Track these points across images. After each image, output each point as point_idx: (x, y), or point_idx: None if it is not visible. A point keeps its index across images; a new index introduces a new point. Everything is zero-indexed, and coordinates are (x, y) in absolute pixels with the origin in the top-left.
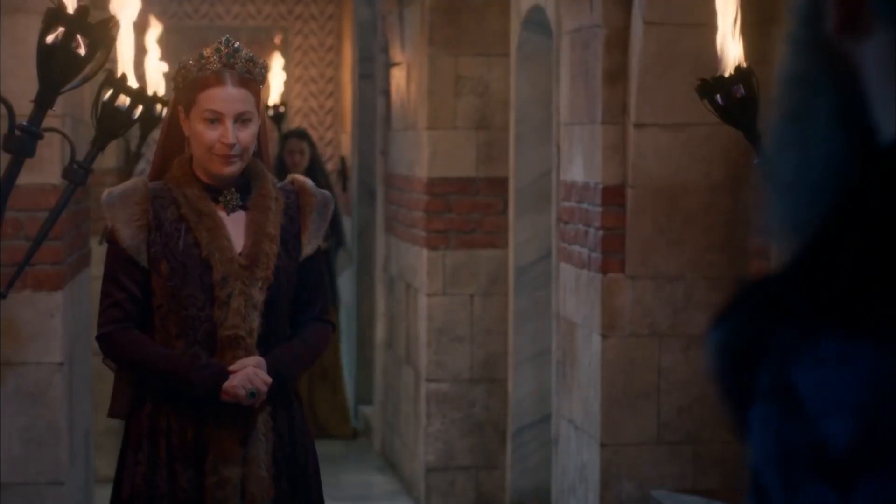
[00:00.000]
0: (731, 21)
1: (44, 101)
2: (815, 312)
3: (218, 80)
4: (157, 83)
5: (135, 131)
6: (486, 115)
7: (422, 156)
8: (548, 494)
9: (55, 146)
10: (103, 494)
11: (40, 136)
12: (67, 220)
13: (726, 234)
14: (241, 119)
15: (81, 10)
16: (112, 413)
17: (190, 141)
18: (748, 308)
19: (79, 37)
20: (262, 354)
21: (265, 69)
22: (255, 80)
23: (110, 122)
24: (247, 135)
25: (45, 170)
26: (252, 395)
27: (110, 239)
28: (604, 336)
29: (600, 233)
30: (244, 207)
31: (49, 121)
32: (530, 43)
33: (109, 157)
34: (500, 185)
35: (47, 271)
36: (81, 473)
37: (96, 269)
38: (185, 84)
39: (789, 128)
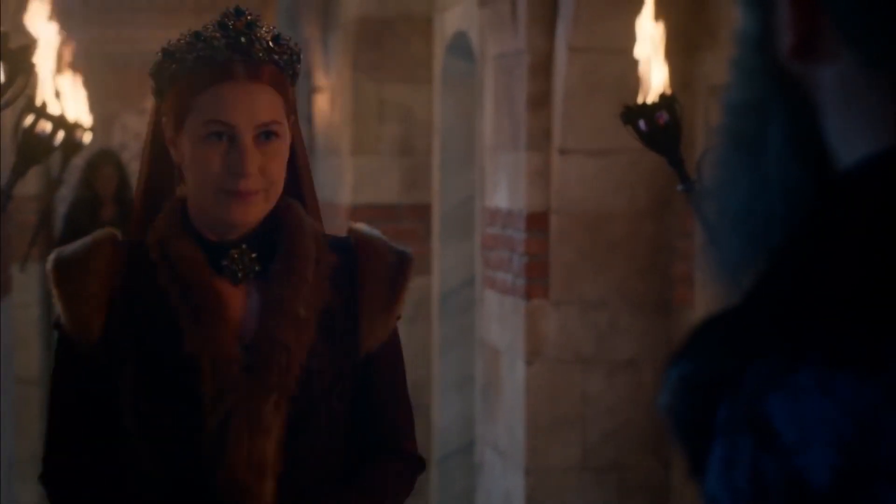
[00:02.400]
0: (655, 47)
1: None
2: (790, 342)
3: (226, 73)
4: (77, 109)
5: (56, 157)
6: (410, 141)
7: (345, 182)
8: None
9: None
10: None
11: None
12: None
13: (650, 261)
14: (266, 133)
15: (1, 37)
16: None
17: (181, 171)
18: (713, 340)
19: None
20: None
21: (298, 56)
22: (283, 72)
23: (31, 149)
24: (276, 160)
25: None
26: None
27: (57, 322)
28: (528, 362)
29: (524, 259)
30: (263, 275)
31: None
32: (454, 69)
33: (30, 184)
34: (423, 211)
35: None
36: (3, 503)
37: (17, 295)
38: (173, 82)
39: (737, 157)
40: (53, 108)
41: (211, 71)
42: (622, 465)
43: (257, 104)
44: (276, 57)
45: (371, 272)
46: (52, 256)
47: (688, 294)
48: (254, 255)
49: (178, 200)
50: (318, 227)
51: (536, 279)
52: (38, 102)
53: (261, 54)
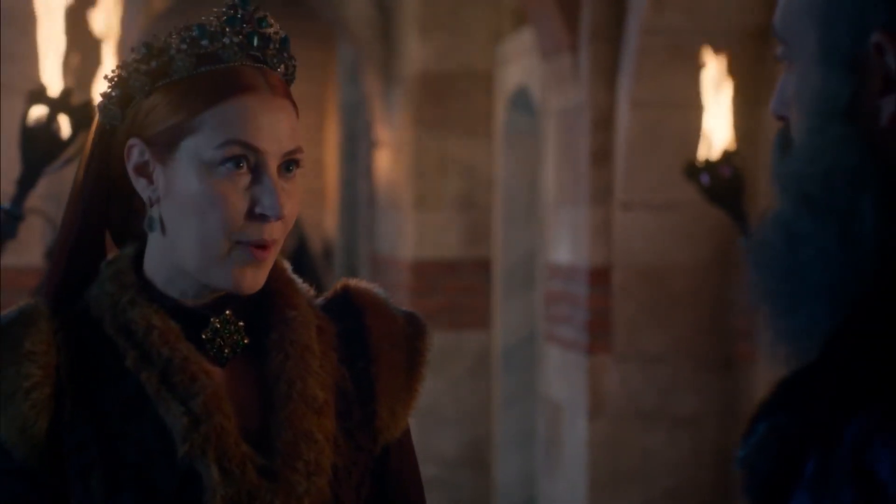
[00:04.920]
0: (720, 102)
1: (26, 183)
2: (891, 397)
3: (246, 83)
4: None
5: None
6: (472, 196)
7: (407, 237)
8: None
9: (37, 227)
10: None
11: (23, 218)
12: None
13: (713, 315)
14: (287, 164)
15: (65, 92)
16: None
17: (162, 217)
18: (806, 394)
19: (61, 118)
20: None
21: (296, 62)
22: (290, 84)
23: None
24: (295, 201)
25: (27, 251)
26: None
27: None
28: (590, 418)
29: (586, 314)
30: (251, 349)
31: (31, 202)
32: (516, 123)
33: None
34: (485, 266)
35: None
36: None
37: None
38: (158, 88)
39: (817, 225)
40: None
41: (226, 77)
42: None
43: (283, 125)
44: (284, 66)
45: (385, 343)
46: None
47: (751, 349)
48: (241, 324)
49: (123, 258)
50: (303, 285)
51: (599, 334)
52: None
53: (275, 60)
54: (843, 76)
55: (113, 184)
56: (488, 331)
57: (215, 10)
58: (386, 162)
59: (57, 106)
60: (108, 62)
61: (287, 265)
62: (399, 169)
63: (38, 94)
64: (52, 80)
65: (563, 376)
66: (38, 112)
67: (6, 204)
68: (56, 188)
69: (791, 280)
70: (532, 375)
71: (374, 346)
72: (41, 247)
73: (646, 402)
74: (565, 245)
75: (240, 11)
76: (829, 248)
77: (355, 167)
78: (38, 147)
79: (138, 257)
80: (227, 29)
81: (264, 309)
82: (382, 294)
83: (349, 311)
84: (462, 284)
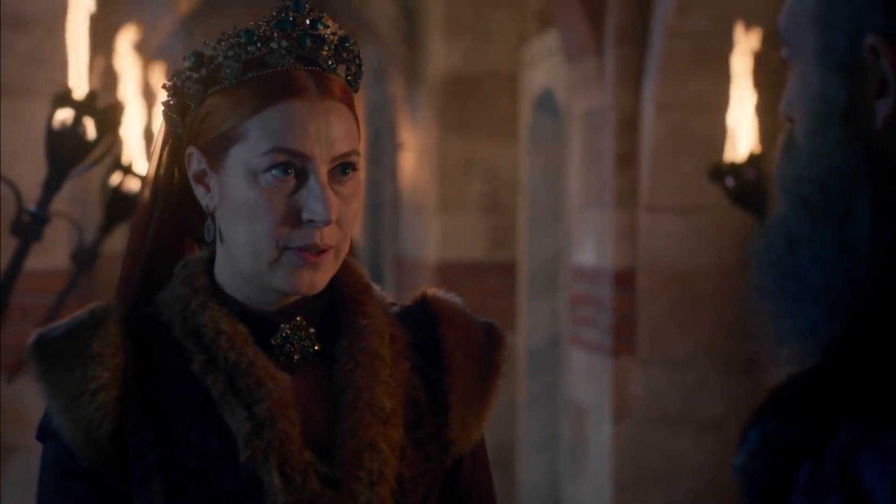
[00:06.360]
0: (745, 105)
1: (51, 185)
2: (881, 404)
3: (293, 87)
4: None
5: None
6: (496, 199)
7: (431, 239)
8: None
9: (62, 230)
10: None
11: (48, 220)
12: (74, 304)
13: (738, 319)
14: (343, 168)
15: (90, 95)
16: None
17: (217, 222)
18: (799, 401)
19: (87, 121)
20: None
21: (362, 65)
22: (351, 86)
23: (118, 207)
24: (354, 204)
25: (52, 254)
26: None
27: (43, 430)
28: (614, 421)
29: (611, 317)
30: (322, 356)
31: (57, 204)
32: (540, 126)
33: (117, 241)
34: (509, 268)
35: None
36: None
37: None
38: (209, 96)
39: (820, 228)
40: (140, 167)
41: (272, 82)
42: None
43: (334, 129)
44: (344, 67)
45: (459, 353)
46: (32, 340)
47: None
48: (312, 331)
49: (197, 261)
50: (379, 291)
51: (623, 337)
52: (125, 161)
53: (330, 62)
54: (840, 79)
55: (182, 190)
56: (513, 333)
57: (264, 15)
58: (410, 164)
59: (82, 109)
60: (129, 72)
61: (364, 271)
62: (423, 171)
63: (64, 97)
64: (78, 82)
65: (587, 379)
66: (63, 115)
67: (32, 206)
68: (81, 191)
69: (790, 282)
70: (557, 378)
71: (448, 356)
72: (66, 250)
73: (670, 405)
74: (590, 248)
75: (291, 14)
76: (826, 250)
77: (380, 170)
78: (64, 150)
79: (212, 261)
80: (276, 33)
81: (336, 316)
82: (460, 304)
83: (425, 320)
84: (486, 287)
